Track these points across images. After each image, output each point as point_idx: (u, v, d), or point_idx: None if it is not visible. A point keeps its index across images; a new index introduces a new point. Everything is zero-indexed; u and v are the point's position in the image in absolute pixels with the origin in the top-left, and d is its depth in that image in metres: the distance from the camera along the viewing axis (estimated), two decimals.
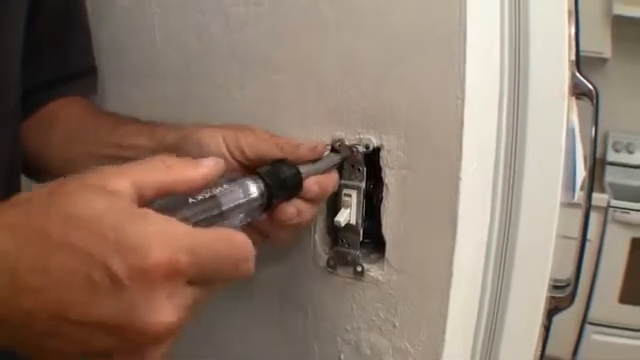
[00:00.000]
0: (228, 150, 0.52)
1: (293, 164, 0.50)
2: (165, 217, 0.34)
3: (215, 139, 0.52)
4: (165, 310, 0.33)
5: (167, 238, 0.33)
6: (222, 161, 0.41)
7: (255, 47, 0.62)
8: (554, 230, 0.66)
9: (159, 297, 0.32)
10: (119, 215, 0.33)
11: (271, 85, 0.61)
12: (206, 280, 0.36)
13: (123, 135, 0.59)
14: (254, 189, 0.44)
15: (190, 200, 0.37)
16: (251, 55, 0.62)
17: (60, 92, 0.65)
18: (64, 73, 0.67)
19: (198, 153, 0.52)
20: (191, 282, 0.34)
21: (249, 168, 0.51)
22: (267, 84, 0.61)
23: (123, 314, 0.32)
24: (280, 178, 0.47)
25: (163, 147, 0.55)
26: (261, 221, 0.50)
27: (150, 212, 0.34)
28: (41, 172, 0.64)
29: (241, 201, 0.42)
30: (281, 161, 0.49)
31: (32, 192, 0.36)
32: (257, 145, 0.52)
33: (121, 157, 0.57)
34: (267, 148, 0.52)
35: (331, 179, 0.54)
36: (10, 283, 0.32)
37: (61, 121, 0.64)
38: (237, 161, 0.52)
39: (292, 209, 0.50)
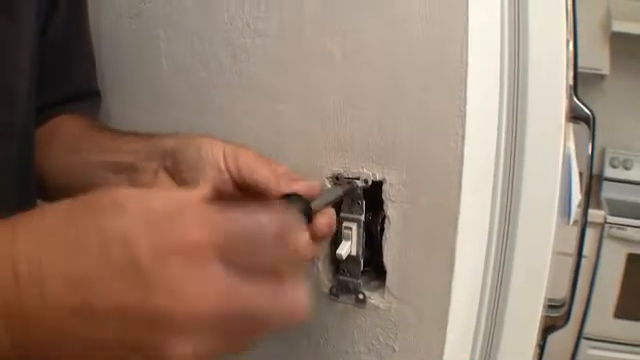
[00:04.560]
0: (225, 163, 0.51)
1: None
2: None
3: (215, 149, 0.52)
4: (190, 291, 0.30)
5: (200, 220, 0.32)
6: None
7: (260, 77, 0.63)
8: (549, 256, 0.67)
9: (189, 277, 0.30)
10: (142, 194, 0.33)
11: (275, 115, 0.62)
12: (244, 266, 0.32)
13: (122, 142, 0.59)
14: None
15: None
16: (256, 85, 0.63)
17: (62, 111, 0.66)
18: (66, 96, 0.68)
19: (196, 159, 0.52)
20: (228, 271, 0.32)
21: (240, 187, 0.51)
22: (271, 114, 0.63)
23: (140, 295, 0.30)
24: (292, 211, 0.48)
25: (161, 152, 0.55)
26: None
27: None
28: (39, 185, 0.63)
29: None
30: (292, 195, 0.49)
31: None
32: (254, 167, 0.51)
33: (118, 162, 0.57)
34: (264, 174, 0.51)
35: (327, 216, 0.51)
36: (30, 273, 0.31)
37: (61, 134, 0.64)
38: (231, 177, 0.52)
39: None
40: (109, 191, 0.33)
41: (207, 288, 0.31)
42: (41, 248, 0.32)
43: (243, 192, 0.52)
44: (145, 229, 0.31)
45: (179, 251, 0.30)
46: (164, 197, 0.33)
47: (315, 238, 0.50)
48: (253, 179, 0.51)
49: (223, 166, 0.52)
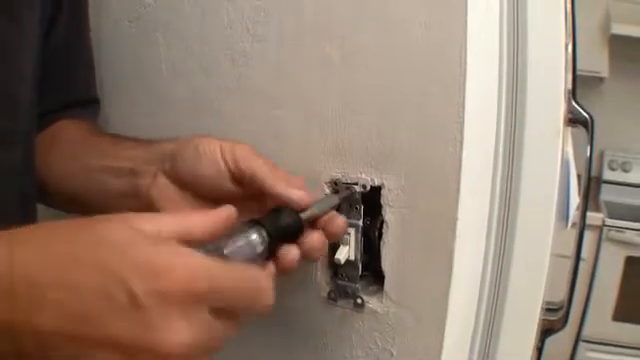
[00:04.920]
0: (223, 157, 0.52)
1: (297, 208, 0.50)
2: (188, 248, 0.37)
3: (212, 144, 0.53)
4: (178, 329, 0.35)
5: (188, 264, 0.36)
6: (233, 211, 0.43)
7: (259, 82, 0.63)
8: (547, 259, 0.67)
9: (174, 317, 0.34)
10: (144, 241, 0.36)
11: (273, 119, 0.62)
12: (225, 310, 0.38)
13: (121, 148, 0.60)
14: (257, 240, 0.45)
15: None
16: (255, 89, 0.63)
17: (62, 116, 0.67)
18: (66, 102, 0.68)
19: (194, 158, 0.53)
20: (211, 311, 0.37)
21: (238, 180, 0.52)
22: (269, 118, 0.63)
23: (137, 332, 0.34)
24: (282, 226, 0.48)
25: (160, 156, 0.56)
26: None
27: (174, 241, 0.37)
28: (39, 190, 0.64)
29: (244, 252, 0.43)
30: (282, 207, 0.50)
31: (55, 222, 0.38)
32: (252, 161, 0.52)
33: (118, 168, 0.58)
34: (261, 167, 0.52)
35: (338, 224, 0.53)
36: (28, 295, 0.33)
37: (62, 139, 0.65)
38: (229, 170, 0.52)
39: (295, 252, 0.50)
40: (111, 226, 0.37)
41: (196, 330, 0.36)
42: (42, 274, 0.34)
43: (241, 187, 0.53)
44: (145, 274, 0.34)
45: (177, 299, 0.35)
46: (165, 246, 0.37)
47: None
48: (251, 170, 0.52)
49: (221, 160, 0.53)
